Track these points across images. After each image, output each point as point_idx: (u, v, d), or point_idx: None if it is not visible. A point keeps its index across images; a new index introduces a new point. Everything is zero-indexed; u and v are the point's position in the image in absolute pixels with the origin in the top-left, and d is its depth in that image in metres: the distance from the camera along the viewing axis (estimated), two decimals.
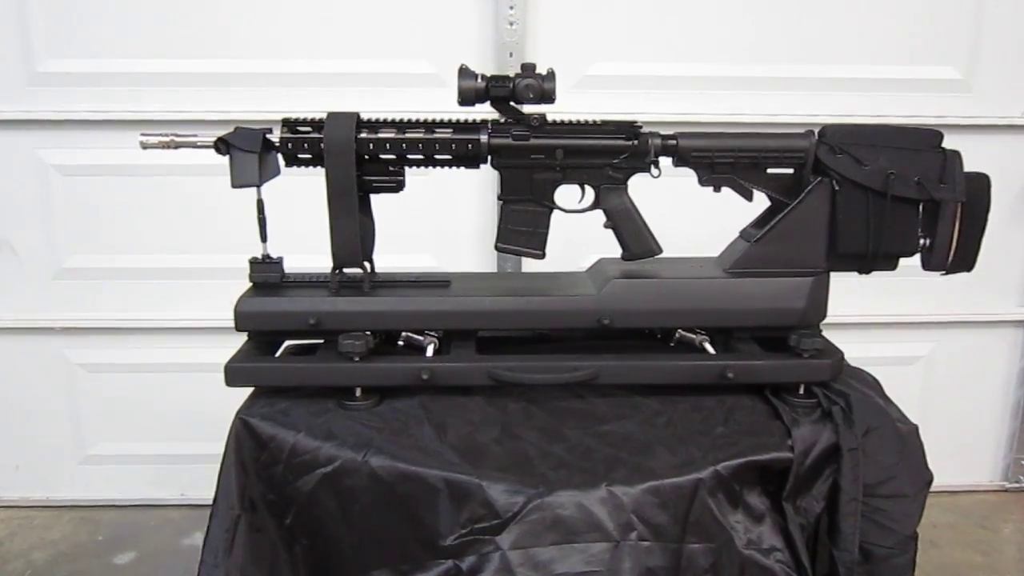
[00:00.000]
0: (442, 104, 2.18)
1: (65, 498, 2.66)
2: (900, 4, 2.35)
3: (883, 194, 1.36)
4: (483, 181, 2.28)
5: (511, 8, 2.26)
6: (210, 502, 1.35)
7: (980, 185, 1.40)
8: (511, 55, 2.28)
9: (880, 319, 2.59)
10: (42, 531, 2.54)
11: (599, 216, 1.46)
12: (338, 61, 2.33)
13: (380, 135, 1.38)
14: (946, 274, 1.44)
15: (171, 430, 2.60)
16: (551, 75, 1.34)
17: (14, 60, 2.30)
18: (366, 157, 1.38)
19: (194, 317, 2.49)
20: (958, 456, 2.75)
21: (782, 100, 2.38)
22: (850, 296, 2.16)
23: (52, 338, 2.53)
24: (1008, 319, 2.65)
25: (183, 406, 2.57)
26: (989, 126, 2.43)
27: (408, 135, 1.38)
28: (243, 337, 1.48)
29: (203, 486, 2.54)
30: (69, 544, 2.48)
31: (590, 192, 1.45)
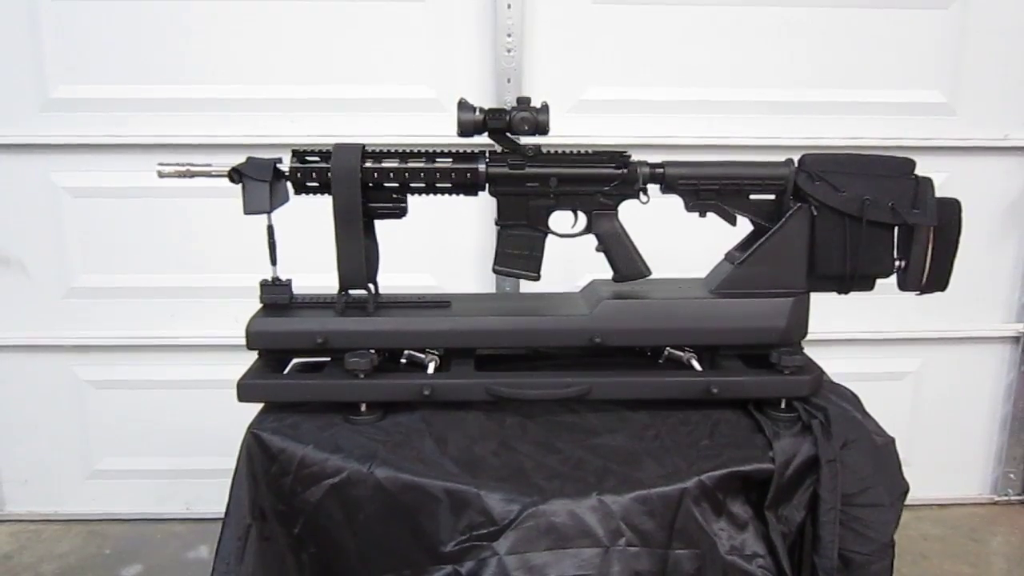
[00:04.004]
0: (442, 127, 2.25)
1: (73, 512, 2.69)
2: (885, 29, 2.40)
3: (859, 219, 1.41)
4: (481, 205, 2.30)
5: (509, 36, 2.32)
6: (214, 516, 1.38)
7: (951, 210, 1.44)
8: (509, 81, 2.34)
9: (870, 336, 2.63)
10: (50, 545, 2.57)
11: (591, 240, 1.50)
12: (343, 87, 2.38)
13: (384, 165, 1.42)
14: (921, 294, 1.48)
15: (177, 445, 2.64)
16: (545, 108, 1.39)
17: (28, 86, 2.35)
18: (371, 185, 1.43)
19: (199, 335, 2.53)
20: (947, 469, 2.78)
21: (769, 124, 2.43)
22: (840, 314, 2.20)
23: (61, 355, 2.57)
24: (995, 335, 2.69)
25: (188, 422, 2.61)
26: (974, 148, 2.48)
27: (410, 164, 1.43)
28: (246, 353, 1.51)
29: (208, 500, 2.62)
30: (77, 557, 2.51)
31: (583, 217, 1.49)
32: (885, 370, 2.68)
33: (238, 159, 1.43)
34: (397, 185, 1.45)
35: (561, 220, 1.50)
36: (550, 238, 1.50)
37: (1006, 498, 2.82)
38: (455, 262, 2.53)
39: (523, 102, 1.40)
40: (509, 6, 2.30)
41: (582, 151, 1.48)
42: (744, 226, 1.52)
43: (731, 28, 2.39)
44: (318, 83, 2.38)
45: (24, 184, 2.43)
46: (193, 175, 1.43)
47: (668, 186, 1.48)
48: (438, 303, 1.53)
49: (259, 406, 1.48)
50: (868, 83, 2.44)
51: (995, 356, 2.73)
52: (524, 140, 1.44)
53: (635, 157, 1.48)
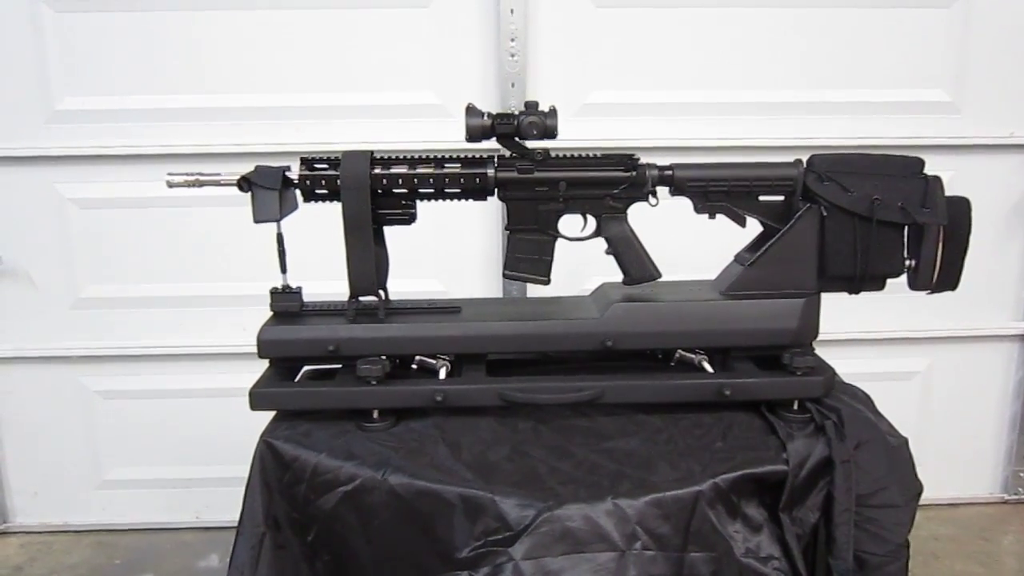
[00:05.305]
0: (447, 133, 2.26)
1: (83, 523, 2.69)
2: (888, 29, 2.40)
3: (869, 219, 1.41)
4: (487, 210, 2.34)
5: (512, 40, 2.32)
6: (225, 524, 1.39)
7: (961, 208, 1.45)
8: (513, 85, 2.34)
9: (879, 335, 2.63)
10: (61, 556, 2.57)
11: (601, 243, 1.50)
12: (348, 94, 2.38)
13: (393, 171, 1.42)
14: (931, 293, 1.48)
15: (186, 454, 2.64)
16: (553, 112, 1.40)
17: (33, 99, 2.36)
18: (380, 192, 1.43)
19: (207, 344, 2.53)
20: (957, 469, 2.78)
21: (776, 125, 2.43)
22: (849, 314, 2.20)
23: (69, 366, 2.57)
24: (1003, 333, 2.68)
25: (197, 431, 2.61)
26: (978, 146, 2.48)
27: (419, 170, 1.43)
28: (257, 362, 1.51)
29: (217, 509, 2.62)
30: (88, 568, 2.51)
31: (592, 221, 1.49)
32: (894, 370, 2.68)
33: (246, 168, 1.43)
34: (406, 191, 1.45)
35: (570, 224, 1.50)
36: (560, 241, 1.50)
37: (1016, 497, 2.81)
38: (462, 267, 2.52)
39: (531, 106, 1.40)
40: (512, 11, 2.30)
41: (590, 155, 1.48)
42: (753, 227, 1.52)
43: (734, 30, 2.39)
44: (323, 91, 2.39)
45: (31, 196, 2.43)
46: (202, 184, 1.43)
47: (677, 188, 1.48)
48: (448, 308, 1.54)
49: (269, 414, 1.48)
50: (872, 83, 2.44)
51: (1003, 355, 2.73)
52: (532, 144, 1.44)
53: (643, 160, 1.48)
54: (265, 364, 1.53)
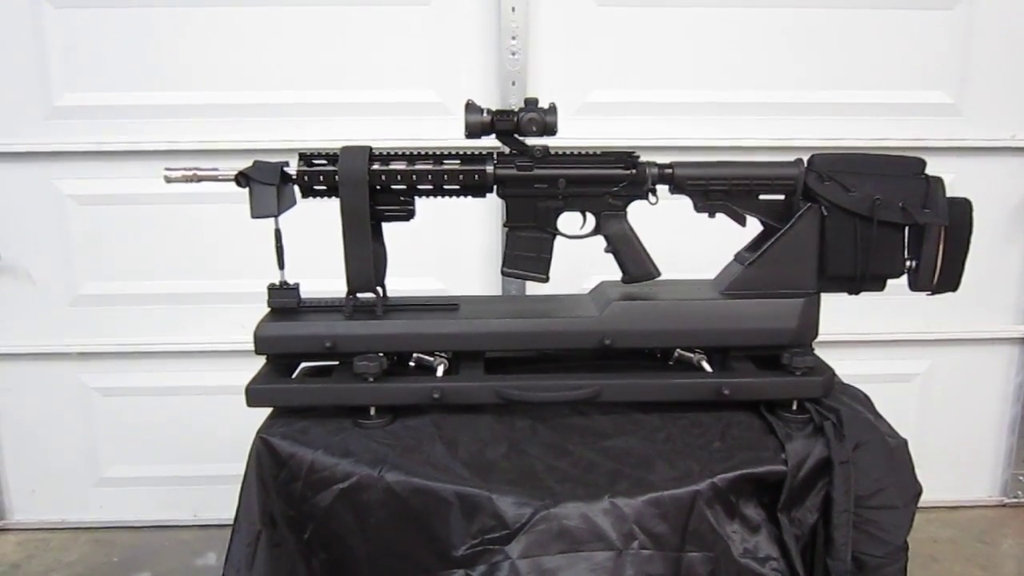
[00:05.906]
0: (447, 131, 2.25)
1: (81, 520, 2.69)
2: (890, 31, 2.40)
3: (869, 219, 1.41)
4: (486, 207, 2.33)
5: (513, 39, 2.31)
6: (222, 522, 1.38)
7: (962, 209, 1.44)
8: (513, 83, 2.34)
9: (878, 337, 2.62)
10: (58, 553, 2.56)
11: (600, 241, 1.50)
12: (348, 92, 2.38)
13: (391, 167, 1.42)
14: (932, 294, 1.48)
15: (184, 452, 2.63)
16: (553, 109, 1.39)
17: (33, 95, 2.35)
18: (378, 188, 1.43)
19: (205, 341, 2.53)
20: (957, 472, 2.77)
21: (776, 125, 2.42)
22: (849, 314, 2.20)
23: (68, 363, 2.56)
24: (1004, 336, 2.68)
25: (195, 428, 2.61)
26: (979, 149, 2.48)
27: (418, 167, 1.42)
28: (254, 359, 1.51)
29: (215, 507, 2.62)
30: (85, 566, 2.50)
31: (591, 219, 1.49)
32: (893, 371, 2.67)
33: (244, 164, 1.43)
34: (405, 187, 1.44)
35: (570, 221, 1.49)
36: (559, 239, 1.50)
37: (1016, 500, 2.80)
38: (460, 265, 2.52)
39: (531, 103, 1.40)
40: (513, 9, 2.29)
41: (590, 152, 1.47)
42: (753, 226, 1.52)
43: (736, 30, 2.38)
44: (323, 88, 2.38)
45: (30, 192, 2.43)
46: (200, 179, 1.43)
47: (677, 187, 1.48)
48: (446, 306, 1.53)
49: (267, 411, 1.48)
50: (874, 84, 2.44)
51: (1003, 358, 2.72)
52: (531, 141, 1.44)
53: (643, 158, 1.48)
54: (262, 361, 1.52)
